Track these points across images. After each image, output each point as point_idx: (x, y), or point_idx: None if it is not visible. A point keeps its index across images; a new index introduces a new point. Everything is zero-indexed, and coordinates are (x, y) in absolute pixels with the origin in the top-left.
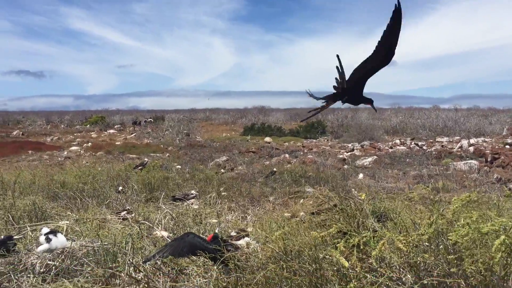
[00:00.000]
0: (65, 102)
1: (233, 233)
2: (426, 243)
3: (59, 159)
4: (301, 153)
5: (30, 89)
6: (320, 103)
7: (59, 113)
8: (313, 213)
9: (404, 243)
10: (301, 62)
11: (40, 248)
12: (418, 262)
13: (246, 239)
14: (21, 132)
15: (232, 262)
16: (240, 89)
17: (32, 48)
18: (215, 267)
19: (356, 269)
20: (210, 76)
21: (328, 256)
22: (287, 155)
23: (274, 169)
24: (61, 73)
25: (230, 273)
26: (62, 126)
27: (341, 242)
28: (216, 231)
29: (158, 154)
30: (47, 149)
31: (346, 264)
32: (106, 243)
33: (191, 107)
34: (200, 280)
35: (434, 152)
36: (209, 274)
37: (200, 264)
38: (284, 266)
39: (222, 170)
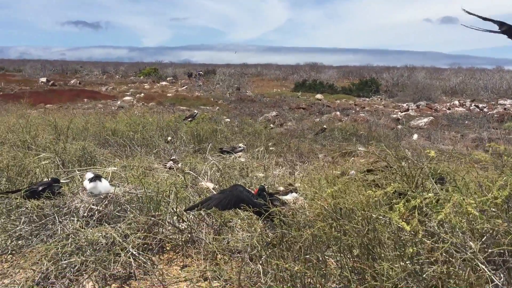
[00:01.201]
0: (120, 54)
1: (280, 188)
2: (493, 209)
3: (113, 108)
4: (353, 111)
5: (87, 40)
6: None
7: (115, 64)
8: (367, 171)
9: (474, 207)
10: (357, 18)
11: (88, 187)
12: (486, 229)
13: (294, 194)
14: (78, 81)
15: (278, 217)
16: (292, 45)
17: None
18: (259, 221)
19: (417, 233)
20: (262, 31)
21: (382, 217)
22: (338, 113)
23: (324, 126)
24: (117, 24)
25: (274, 229)
26: (117, 76)
27: (400, 202)
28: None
29: (208, 107)
30: (102, 98)
31: (407, 227)
32: (149, 191)
33: (242, 62)
34: (243, 234)
35: (495, 115)
36: (252, 228)
37: (244, 217)
38: (334, 225)
39: (271, 125)
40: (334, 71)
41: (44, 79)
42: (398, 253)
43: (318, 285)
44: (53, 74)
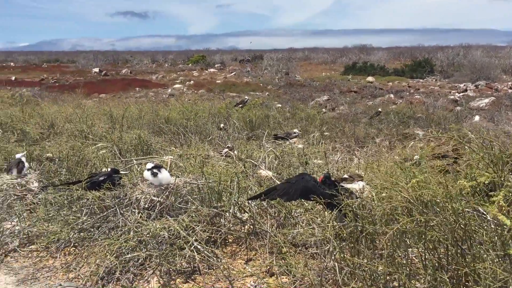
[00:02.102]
0: (168, 42)
1: (345, 176)
2: None
3: (164, 96)
4: (407, 93)
5: (135, 30)
6: None
7: (163, 52)
8: (437, 157)
9: None
10: None
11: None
12: None
13: (360, 183)
14: (129, 71)
15: (350, 209)
16: (339, 28)
17: None
18: (327, 213)
19: None
20: (308, 15)
21: (470, 211)
22: (391, 95)
23: (379, 110)
24: (164, 13)
25: (343, 221)
26: (166, 65)
27: (499, 195)
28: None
29: (257, 93)
30: (152, 86)
31: (507, 221)
32: (210, 181)
33: (288, 46)
34: (315, 227)
35: None
36: (319, 219)
37: (309, 208)
38: (418, 219)
39: (323, 110)
40: (384, 53)
41: (96, 69)
42: (498, 252)
43: (403, 287)
44: (105, 64)
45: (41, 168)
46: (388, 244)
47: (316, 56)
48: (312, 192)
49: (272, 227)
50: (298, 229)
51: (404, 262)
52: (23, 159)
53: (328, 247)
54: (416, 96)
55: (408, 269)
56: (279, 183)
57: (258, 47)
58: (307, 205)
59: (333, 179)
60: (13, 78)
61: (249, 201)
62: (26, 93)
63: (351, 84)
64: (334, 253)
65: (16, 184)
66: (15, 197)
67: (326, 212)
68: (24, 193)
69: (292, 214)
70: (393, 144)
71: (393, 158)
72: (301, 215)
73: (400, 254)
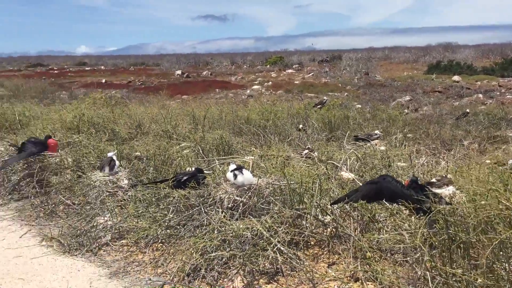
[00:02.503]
0: (246, 44)
1: (433, 180)
2: None
3: (243, 97)
4: (498, 93)
5: (215, 32)
6: None
7: (242, 54)
8: None
9: None
10: None
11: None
12: None
13: (450, 188)
14: (209, 73)
15: (442, 215)
16: (421, 25)
17: None
18: (413, 218)
19: None
20: (388, 13)
21: None
22: (480, 95)
23: (467, 110)
24: (242, 16)
25: (432, 228)
26: (245, 66)
27: None
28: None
29: (336, 93)
30: (232, 87)
31: None
32: (292, 182)
33: (368, 46)
34: (403, 233)
35: None
36: (406, 224)
37: (394, 211)
38: None
39: (406, 110)
40: (471, 51)
41: (179, 72)
42: None
43: None
44: (187, 66)
45: (130, 166)
46: (487, 254)
47: (397, 55)
48: (398, 195)
49: (355, 231)
50: (383, 234)
51: (504, 274)
52: (114, 157)
53: (417, 254)
54: (507, 96)
55: (509, 283)
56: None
57: (337, 47)
58: (392, 209)
59: (419, 183)
60: (103, 80)
61: (332, 205)
62: (116, 95)
63: (435, 84)
64: (425, 261)
65: (108, 181)
66: (107, 193)
67: (413, 217)
68: (115, 189)
69: (376, 218)
70: (483, 147)
71: (484, 162)
72: (385, 219)
73: (499, 266)
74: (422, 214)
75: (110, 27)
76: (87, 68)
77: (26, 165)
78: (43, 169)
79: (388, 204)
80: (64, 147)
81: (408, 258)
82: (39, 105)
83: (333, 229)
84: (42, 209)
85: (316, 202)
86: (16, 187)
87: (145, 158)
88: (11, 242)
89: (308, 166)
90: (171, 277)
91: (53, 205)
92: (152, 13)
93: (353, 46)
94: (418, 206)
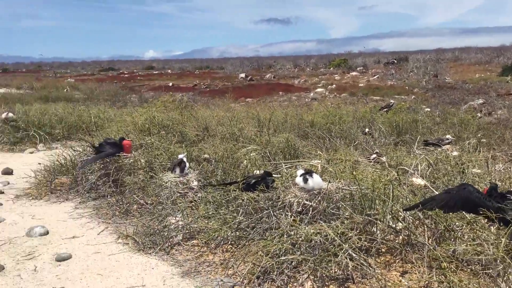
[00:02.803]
0: (309, 47)
1: None
2: None
3: (306, 100)
4: None
5: (277, 35)
6: None
7: (304, 57)
8: None
9: None
10: None
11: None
12: None
13: None
14: (272, 76)
15: None
16: (494, 25)
17: None
18: (493, 228)
19: None
20: (458, 12)
21: None
22: None
23: None
24: (305, 18)
25: None
26: (308, 69)
27: None
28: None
29: (402, 96)
30: (295, 90)
31: None
32: (363, 188)
33: (436, 47)
34: (484, 244)
35: None
36: (485, 234)
37: (471, 221)
38: None
39: (478, 114)
40: None
41: (243, 75)
42: None
43: None
44: (250, 69)
45: (199, 168)
46: None
47: (468, 56)
48: (477, 205)
49: (429, 240)
50: (459, 243)
51: None
52: (185, 159)
53: (500, 266)
54: None
55: None
56: (435, 192)
57: (403, 48)
58: (469, 218)
59: (501, 190)
60: (170, 84)
61: (405, 212)
62: (184, 98)
63: (510, 86)
64: (509, 274)
65: (179, 182)
66: (178, 194)
67: (492, 227)
68: (186, 191)
69: (452, 227)
70: None
71: None
72: (462, 228)
73: None
74: (503, 224)
75: (177, 32)
76: (155, 72)
77: (102, 165)
78: (118, 169)
79: (465, 213)
80: (137, 149)
81: (491, 270)
82: (112, 108)
83: (405, 237)
84: (118, 208)
85: (389, 209)
86: (94, 186)
87: (213, 160)
88: (90, 239)
89: (378, 171)
90: (241, 279)
91: (128, 204)
92: (216, 17)
93: (420, 48)
94: (507, 217)
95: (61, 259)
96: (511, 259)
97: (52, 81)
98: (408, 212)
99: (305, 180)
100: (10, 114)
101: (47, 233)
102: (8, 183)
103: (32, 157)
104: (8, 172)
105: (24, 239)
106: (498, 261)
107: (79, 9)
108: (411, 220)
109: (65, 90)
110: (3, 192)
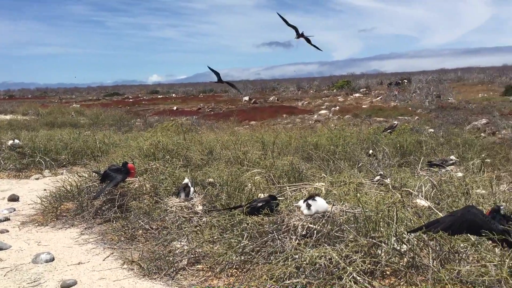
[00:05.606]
0: (311, 69)
1: None
2: None
3: (310, 122)
4: None
5: (279, 58)
6: None
7: (307, 79)
8: None
9: None
10: None
11: (304, 212)
12: None
13: None
14: (276, 98)
15: None
16: (496, 45)
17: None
18: (497, 249)
19: None
20: (460, 33)
21: None
22: None
23: None
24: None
25: None
26: (311, 91)
27: None
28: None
29: (406, 117)
30: (299, 112)
31: None
32: (367, 210)
33: (438, 67)
34: (488, 265)
35: None
36: (496, 259)
37: (475, 242)
38: None
39: (482, 134)
40: None
41: (246, 98)
42: None
43: None
44: (254, 92)
45: (204, 192)
46: None
47: (470, 76)
48: (481, 227)
49: (433, 261)
50: (463, 265)
51: None
52: (189, 183)
53: None
54: None
55: None
56: (439, 213)
57: (405, 69)
58: (473, 240)
59: (503, 212)
60: (174, 108)
61: (410, 234)
62: (186, 122)
63: None
64: None
65: (184, 207)
66: (183, 219)
67: (497, 249)
68: (191, 215)
69: (456, 248)
70: None
71: None
72: (466, 250)
73: None
74: (507, 245)
75: (180, 56)
76: (159, 96)
77: (107, 190)
78: (123, 195)
79: (470, 235)
80: (142, 174)
81: None
82: (117, 133)
83: (410, 259)
84: (123, 233)
85: (393, 231)
86: (99, 211)
87: (218, 185)
88: (95, 265)
89: (382, 193)
90: None
91: (133, 229)
92: (218, 41)
93: (423, 68)
94: (504, 237)
95: (66, 285)
96: None
97: (58, 106)
98: (412, 234)
99: (308, 206)
100: (16, 141)
101: (52, 259)
102: (14, 210)
103: (38, 183)
104: (14, 198)
105: (30, 266)
106: (502, 282)
107: (84, 36)
108: (415, 242)
109: (71, 115)
110: (9, 219)
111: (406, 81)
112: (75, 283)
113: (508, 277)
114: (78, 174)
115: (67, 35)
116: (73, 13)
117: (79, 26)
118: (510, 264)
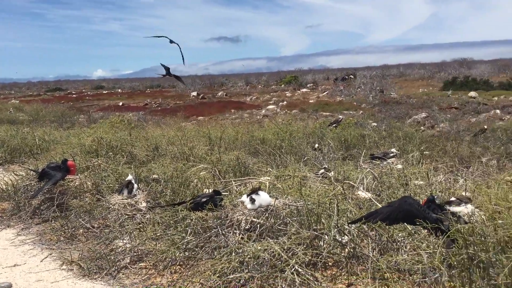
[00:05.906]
0: (259, 64)
1: (452, 199)
2: None
3: (258, 117)
4: None
5: (228, 54)
6: None
7: (256, 74)
8: None
9: None
10: (508, 6)
11: (248, 206)
12: None
13: (469, 206)
14: (224, 93)
15: (461, 235)
16: (435, 42)
17: (230, 14)
18: (432, 238)
19: None
20: (402, 30)
21: None
22: (498, 111)
23: (485, 127)
24: (255, 37)
25: (450, 247)
26: (259, 86)
27: None
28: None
29: (351, 112)
30: (247, 108)
31: None
32: (309, 203)
33: (382, 63)
34: (422, 253)
35: None
36: (424, 245)
37: (412, 232)
38: None
39: (422, 128)
40: (487, 66)
41: (194, 93)
42: None
43: None
44: (202, 88)
45: (148, 189)
46: (506, 274)
47: (411, 72)
48: (416, 216)
49: (373, 251)
50: (401, 254)
51: None
52: (133, 180)
53: (436, 275)
54: None
55: None
56: (379, 205)
57: (350, 65)
58: (410, 229)
59: (437, 202)
60: (120, 103)
61: (350, 225)
62: (132, 117)
63: (451, 100)
64: (443, 282)
65: (127, 204)
66: (126, 216)
67: (431, 237)
68: (134, 212)
69: (395, 238)
70: (502, 164)
71: (504, 179)
72: (404, 239)
73: None
74: (440, 233)
75: (125, 51)
76: (104, 92)
77: (46, 189)
78: (62, 193)
79: (406, 225)
80: (84, 171)
81: (427, 279)
82: (58, 129)
83: (351, 250)
84: (63, 233)
85: (334, 223)
86: (37, 211)
87: (162, 181)
88: (32, 266)
89: (325, 186)
90: None
91: (73, 229)
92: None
93: (367, 64)
94: (442, 227)
95: None
96: (448, 267)
97: None
98: (353, 225)
99: (252, 201)
100: None
101: None
102: None
103: None
104: None
105: None
106: (436, 270)
107: (23, 28)
108: (356, 233)
109: (9, 111)
110: None
111: (352, 76)
112: (10, 286)
113: (440, 264)
114: (15, 172)
115: (5, 28)
116: (11, 4)
117: (18, 18)
118: (442, 252)
